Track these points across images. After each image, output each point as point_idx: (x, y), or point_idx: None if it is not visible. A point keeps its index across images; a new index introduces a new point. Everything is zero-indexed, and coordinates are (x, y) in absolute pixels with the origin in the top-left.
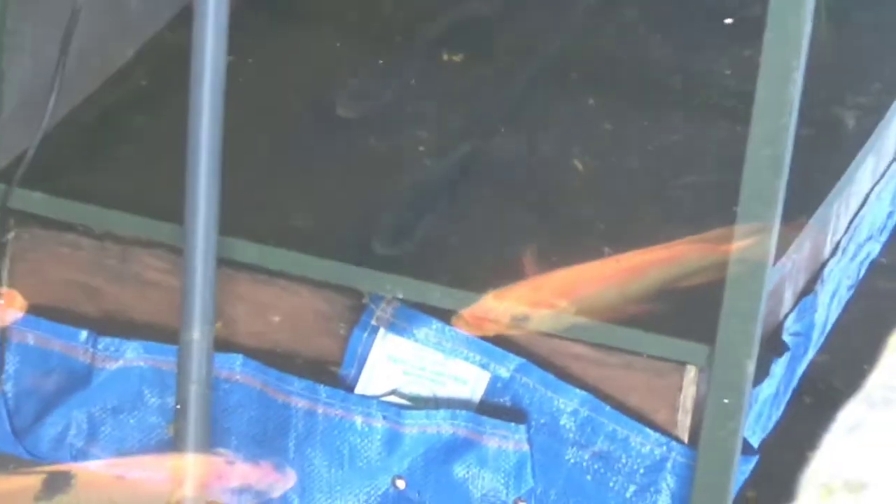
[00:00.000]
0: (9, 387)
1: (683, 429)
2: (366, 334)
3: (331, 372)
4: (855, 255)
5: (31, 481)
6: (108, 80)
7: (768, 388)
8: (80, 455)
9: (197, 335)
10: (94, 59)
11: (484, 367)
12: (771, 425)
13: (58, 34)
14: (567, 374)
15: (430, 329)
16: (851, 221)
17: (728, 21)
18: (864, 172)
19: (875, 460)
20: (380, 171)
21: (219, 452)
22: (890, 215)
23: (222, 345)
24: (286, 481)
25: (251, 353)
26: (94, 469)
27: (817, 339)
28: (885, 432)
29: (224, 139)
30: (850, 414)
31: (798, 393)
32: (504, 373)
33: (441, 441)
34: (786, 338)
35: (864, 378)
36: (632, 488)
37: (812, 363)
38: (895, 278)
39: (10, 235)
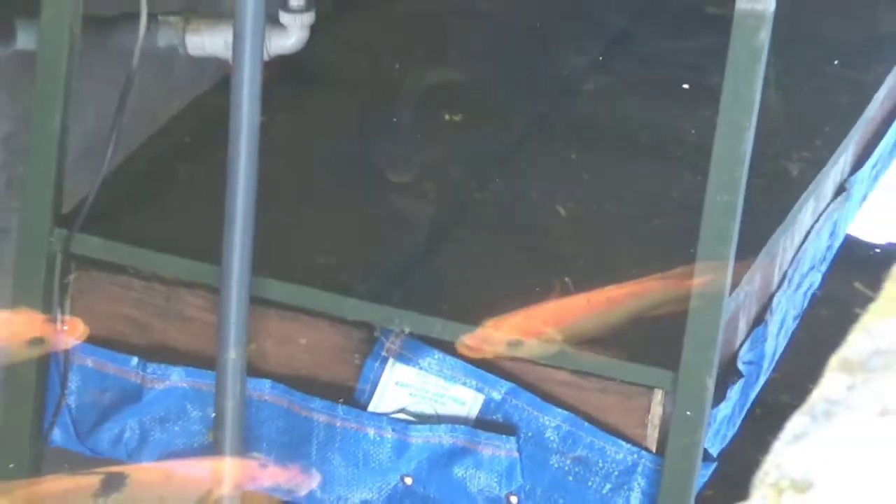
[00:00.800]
0: (71, 399)
1: (652, 440)
2: (377, 363)
3: (347, 394)
4: (799, 285)
5: (90, 481)
6: (156, 133)
7: (725, 409)
8: (134, 454)
9: (232, 356)
10: (145, 115)
11: (479, 390)
12: (727, 440)
13: (115, 94)
14: (551, 396)
15: (433, 358)
16: (795, 255)
17: (685, 86)
18: (806, 213)
19: (818, 464)
20: (390, 217)
21: (253, 456)
22: (828, 248)
23: (254, 371)
24: (311, 481)
25: (278, 378)
26: (145, 469)
27: (767, 366)
28: (826, 440)
29: (257, 189)
30: (797, 424)
31: (751, 407)
32: (496, 395)
33: (443, 449)
34: (740, 366)
35: (807, 394)
36: (608, 486)
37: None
38: (832, 308)
39: (72, 277)
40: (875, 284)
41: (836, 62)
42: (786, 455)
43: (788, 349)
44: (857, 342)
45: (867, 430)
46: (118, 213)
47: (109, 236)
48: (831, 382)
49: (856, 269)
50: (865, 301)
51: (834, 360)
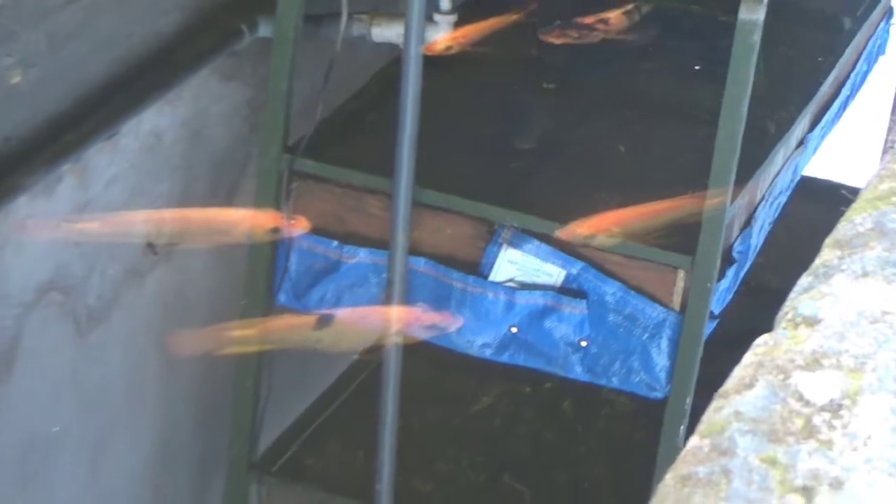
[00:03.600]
0: (292, 271)
1: (676, 304)
2: (495, 248)
3: (475, 268)
4: (772, 203)
5: (309, 319)
6: (351, 96)
7: (724, 283)
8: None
9: (400, 240)
10: (344, 83)
11: (562, 267)
12: (725, 304)
13: (323, 68)
14: (609, 273)
15: (533, 245)
16: (770, 183)
17: (697, 67)
18: (778, 156)
19: (822, 307)
20: (508, 149)
21: (419, 305)
22: (791, 181)
23: (413, 252)
24: (455, 324)
25: (430, 256)
26: (346, 312)
27: (751, 255)
28: (825, 291)
29: (418, 128)
30: (804, 281)
31: (742, 287)
32: (574, 271)
33: (538, 307)
34: (734, 254)
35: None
36: (646, 335)
37: (751, 266)
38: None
39: (294, 186)
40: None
41: (802, 39)
42: (798, 301)
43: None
44: (842, 228)
45: (853, 284)
46: (326, 145)
47: (319, 160)
48: (827, 255)
49: (812, 197)
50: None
51: (829, 241)
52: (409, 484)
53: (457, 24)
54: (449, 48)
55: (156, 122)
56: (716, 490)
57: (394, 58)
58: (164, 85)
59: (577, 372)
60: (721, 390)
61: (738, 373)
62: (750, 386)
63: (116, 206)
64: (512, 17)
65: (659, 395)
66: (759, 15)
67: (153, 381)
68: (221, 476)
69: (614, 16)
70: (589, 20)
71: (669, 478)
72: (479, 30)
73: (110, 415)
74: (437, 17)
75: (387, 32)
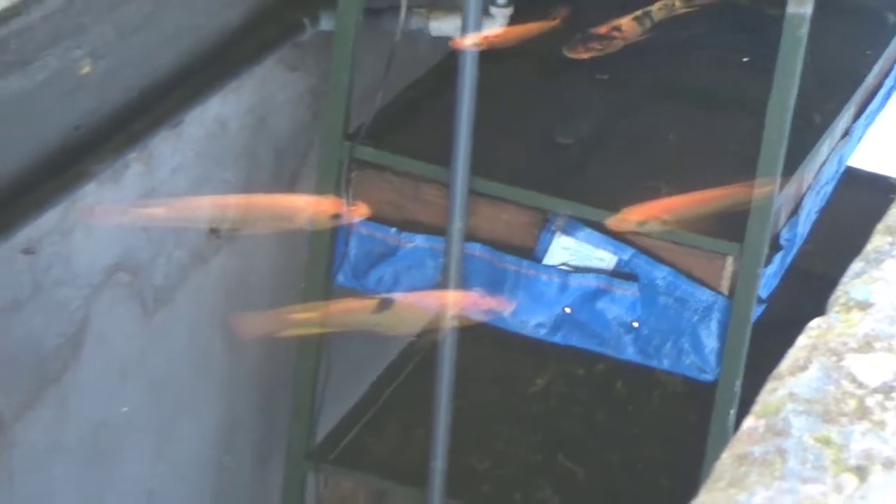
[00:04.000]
0: (351, 255)
1: (725, 288)
2: (549, 234)
3: (529, 253)
4: (818, 192)
5: (369, 302)
6: (409, 85)
7: (771, 269)
8: (389, 292)
9: (457, 226)
10: (402, 74)
11: (614, 253)
12: (772, 289)
13: (382, 60)
14: (660, 258)
15: (585, 232)
16: (817, 173)
17: (745, 59)
18: (824, 146)
19: (874, 291)
20: (562, 143)
21: (475, 290)
22: (836, 171)
23: (469, 238)
24: (509, 307)
25: (485, 242)
26: (406, 296)
27: (798, 242)
28: (876, 276)
29: (474, 119)
30: (857, 266)
31: (788, 273)
32: (625, 256)
33: (591, 289)
34: (781, 241)
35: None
36: (695, 317)
37: (797, 253)
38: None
39: (354, 174)
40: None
41: (847, 33)
42: (850, 285)
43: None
44: (893, 214)
45: None
46: (385, 133)
47: (378, 148)
48: (879, 241)
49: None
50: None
51: (880, 227)
52: (464, 462)
53: (512, 18)
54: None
55: (220, 111)
56: (771, 469)
57: (451, 51)
58: (229, 74)
59: (629, 353)
60: (776, 372)
61: (793, 355)
62: (804, 368)
63: (181, 193)
64: (551, 23)
65: (709, 377)
66: (807, 9)
67: (217, 363)
68: (281, 459)
69: (625, 22)
70: (603, 30)
71: (726, 457)
72: (519, 32)
73: (176, 396)
74: (493, 10)
75: (444, 26)
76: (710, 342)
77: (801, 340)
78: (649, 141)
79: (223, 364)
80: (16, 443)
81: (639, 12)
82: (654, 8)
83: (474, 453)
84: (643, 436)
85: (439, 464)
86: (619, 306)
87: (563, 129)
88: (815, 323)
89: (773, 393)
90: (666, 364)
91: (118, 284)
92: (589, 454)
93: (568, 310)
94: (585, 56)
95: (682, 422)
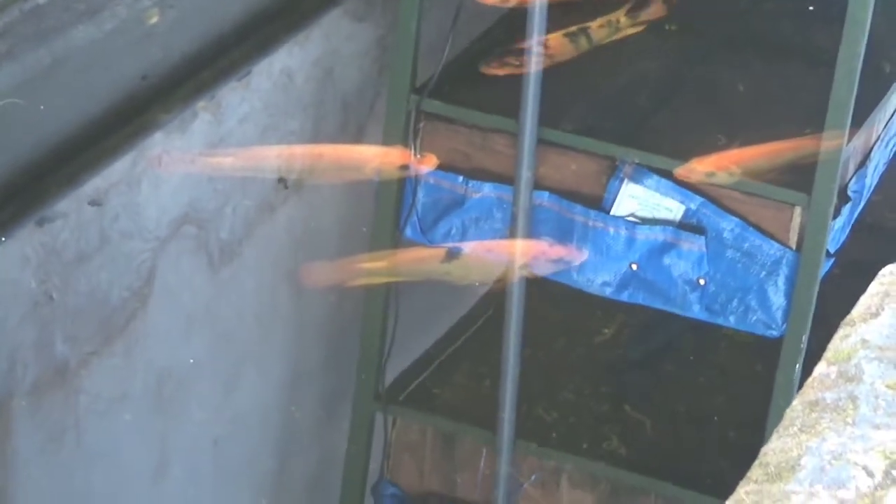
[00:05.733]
0: (418, 206)
1: (793, 242)
2: (617, 182)
3: (596, 203)
4: (887, 144)
5: (438, 252)
6: (476, 37)
7: (839, 221)
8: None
9: (526, 174)
10: (470, 26)
11: (682, 202)
12: (840, 243)
13: (449, 12)
14: (728, 209)
15: (653, 180)
16: (885, 125)
17: (811, 8)
18: (894, 97)
19: None
20: (630, 87)
21: (544, 239)
22: None
23: (537, 187)
24: (580, 257)
25: (553, 191)
26: (475, 245)
27: (865, 195)
28: None
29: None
30: None
31: (857, 225)
32: (693, 206)
33: (657, 243)
34: (849, 193)
35: None
36: (763, 272)
37: (865, 205)
38: None
39: (422, 124)
40: None
41: None
42: None
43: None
44: None
45: None
46: (452, 86)
47: (446, 101)
48: None
49: None
50: None
51: None
52: (532, 413)
53: None
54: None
55: (287, 62)
56: (843, 415)
57: (510, 8)
58: (296, 26)
59: (696, 311)
60: (847, 318)
61: (865, 301)
62: (876, 314)
63: (249, 143)
64: None
65: (775, 333)
66: None
67: (283, 314)
68: (348, 405)
69: (553, 38)
70: (523, 46)
71: (797, 403)
72: None
73: (243, 346)
74: None
75: None
76: (777, 299)
77: (874, 287)
78: (718, 91)
79: (290, 314)
80: (81, 389)
81: (574, 28)
82: (594, 25)
83: (542, 403)
84: (709, 386)
85: (507, 414)
86: (685, 262)
87: (643, 74)
88: (888, 270)
89: (846, 339)
90: (732, 321)
91: (185, 236)
92: (656, 405)
93: (634, 266)
94: (500, 73)
95: (748, 373)
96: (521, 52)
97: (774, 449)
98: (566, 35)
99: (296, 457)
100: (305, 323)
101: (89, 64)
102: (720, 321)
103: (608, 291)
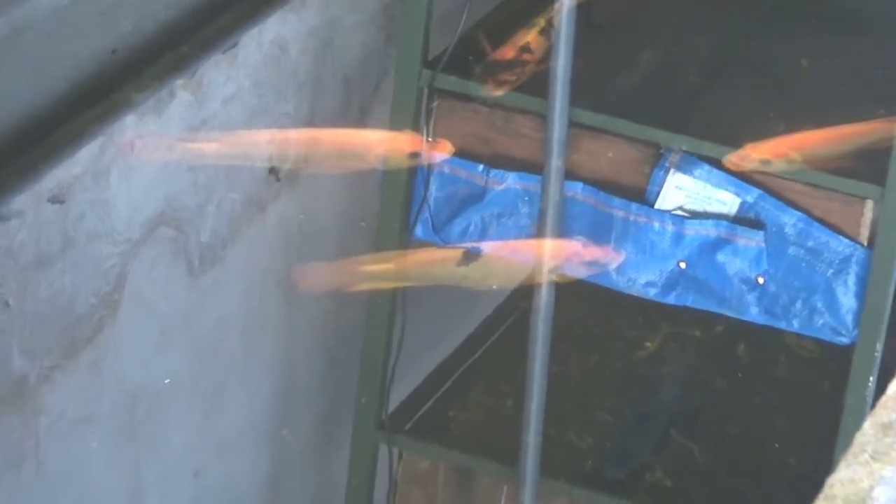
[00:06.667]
0: (431, 200)
1: (864, 238)
2: (662, 172)
3: (639, 195)
4: None
5: (454, 253)
6: (497, 5)
7: None
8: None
9: (556, 163)
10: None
11: (737, 195)
12: None
13: None
14: (789, 202)
15: (703, 170)
16: None
17: None
18: None
19: None
20: (674, 63)
21: (578, 238)
22: None
23: (569, 177)
24: (618, 258)
25: (588, 182)
26: (497, 245)
27: None
28: None
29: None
30: None
31: None
32: (749, 199)
33: (709, 239)
34: None
35: None
36: (830, 271)
37: None
38: None
39: (435, 104)
40: None
41: None
42: None
43: None
44: None
45: None
46: (470, 59)
47: (463, 76)
48: None
49: None
50: None
51: None
52: (562, 438)
53: None
54: None
55: (279, 32)
56: None
57: None
58: None
59: (753, 314)
60: None
61: None
62: None
63: (235, 127)
64: None
65: (845, 339)
66: None
67: (274, 326)
68: (349, 428)
69: (532, 38)
70: (510, 53)
71: (868, 426)
72: None
73: (226, 363)
74: None
75: None
76: (847, 300)
77: None
78: (777, 67)
79: (281, 324)
80: (42, 409)
81: (541, 21)
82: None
83: (573, 427)
84: (768, 407)
85: (532, 438)
86: (741, 259)
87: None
88: None
89: None
90: (796, 325)
91: (160, 239)
92: (706, 429)
93: (683, 265)
94: (499, 92)
95: (814, 390)
96: (512, 65)
97: (842, 479)
98: (541, 33)
99: (289, 489)
100: (299, 335)
101: (51, 35)
102: (782, 325)
103: (652, 293)
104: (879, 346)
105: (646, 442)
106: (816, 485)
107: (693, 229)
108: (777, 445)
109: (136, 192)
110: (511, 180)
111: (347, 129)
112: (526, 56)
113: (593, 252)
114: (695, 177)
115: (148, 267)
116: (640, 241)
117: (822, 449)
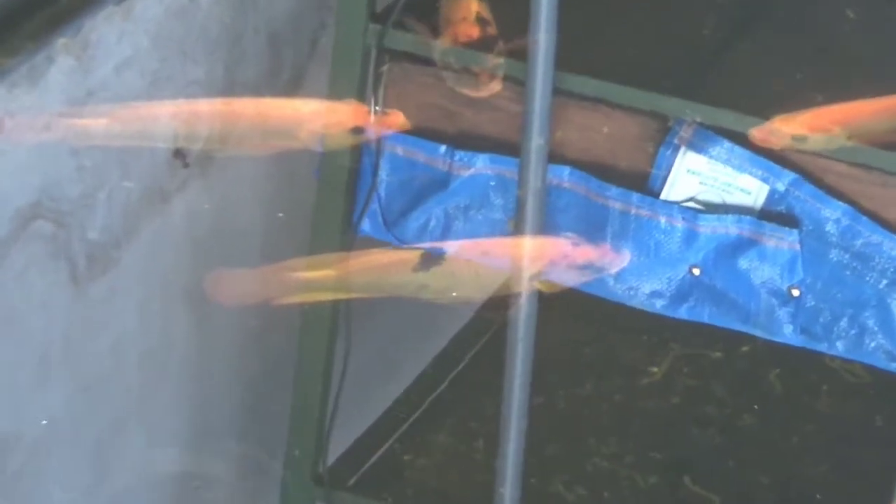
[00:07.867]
0: (381, 189)
1: None
2: (670, 151)
3: (641, 182)
4: None
5: (410, 256)
6: None
7: None
8: (438, 243)
9: (538, 142)
10: None
11: (765, 180)
12: None
13: None
14: (832, 189)
15: (722, 148)
16: None
17: None
18: None
19: None
20: (685, 17)
21: (566, 236)
22: None
23: (555, 159)
24: (621, 260)
25: (577, 165)
26: (463, 246)
27: None
28: None
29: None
30: None
31: None
32: (781, 186)
33: (729, 239)
34: None
35: None
36: (884, 282)
37: None
38: None
39: (385, 68)
40: None
41: None
42: None
43: None
44: None
45: None
46: (427, 12)
47: (420, 32)
48: None
49: None
50: None
51: None
52: (547, 489)
53: None
54: None
55: None
56: None
57: None
58: None
59: (787, 333)
60: None
61: None
62: None
63: (132, 98)
64: None
65: None
66: None
67: (181, 349)
68: (277, 484)
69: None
70: (467, 32)
71: None
72: None
73: (121, 398)
74: None
75: None
76: None
77: None
78: (815, 19)
79: (190, 348)
80: None
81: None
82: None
83: (562, 475)
84: (806, 447)
85: (509, 490)
86: (770, 265)
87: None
88: None
89: None
90: (840, 349)
91: (36, 237)
92: (728, 475)
93: (696, 271)
94: (485, 95)
95: (864, 427)
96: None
97: None
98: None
99: None
100: (214, 362)
101: None
102: (822, 348)
103: (659, 305)
104: None
105: (652, 494)
106: None
107: (709, 226)
108: (818, 496)
109: (6, 179)
110: (481, 164)
111: (274, 98)
112: (489, 30)
113: (585, 253)
114: (711, 157)
115: (18, 272)
116: (642, 240)
117: (875, 499)
